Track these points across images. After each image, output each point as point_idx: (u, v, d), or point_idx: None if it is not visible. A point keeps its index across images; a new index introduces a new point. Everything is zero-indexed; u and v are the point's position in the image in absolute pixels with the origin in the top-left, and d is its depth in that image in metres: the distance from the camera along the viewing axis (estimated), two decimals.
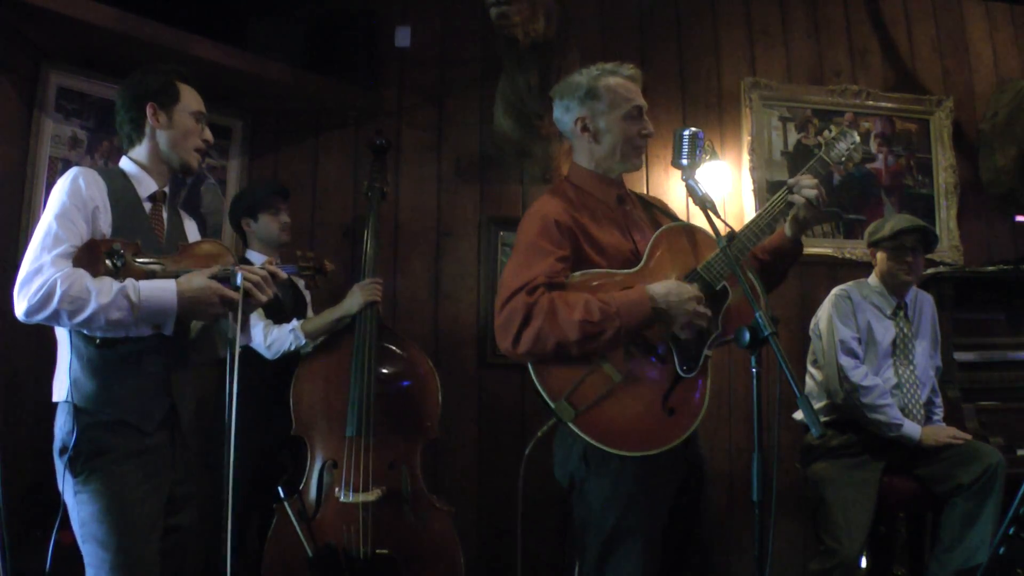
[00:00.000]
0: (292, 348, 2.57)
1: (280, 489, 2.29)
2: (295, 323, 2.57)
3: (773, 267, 2.06)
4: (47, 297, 1.61)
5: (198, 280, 1.73)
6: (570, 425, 1.78)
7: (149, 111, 1.86)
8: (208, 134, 1.95)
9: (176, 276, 1.74)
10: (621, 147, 1.97)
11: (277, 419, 2.55)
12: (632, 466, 1.81)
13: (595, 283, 1.86)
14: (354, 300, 2.63)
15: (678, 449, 1.84)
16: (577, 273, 1.87)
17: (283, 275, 1.87)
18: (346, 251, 3.43)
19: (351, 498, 2.41)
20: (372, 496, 2.41)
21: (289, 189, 2.97)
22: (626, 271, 1.89)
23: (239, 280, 1.75)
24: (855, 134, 2.07)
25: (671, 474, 1.88)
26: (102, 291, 1.63)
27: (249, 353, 2.55)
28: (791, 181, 1.95)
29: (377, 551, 2.41)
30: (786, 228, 2.02)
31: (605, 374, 1.80)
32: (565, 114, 2.01)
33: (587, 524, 1.87)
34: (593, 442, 1.78)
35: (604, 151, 1.99)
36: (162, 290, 1.69)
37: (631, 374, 1.82)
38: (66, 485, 1.70)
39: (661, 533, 1.86)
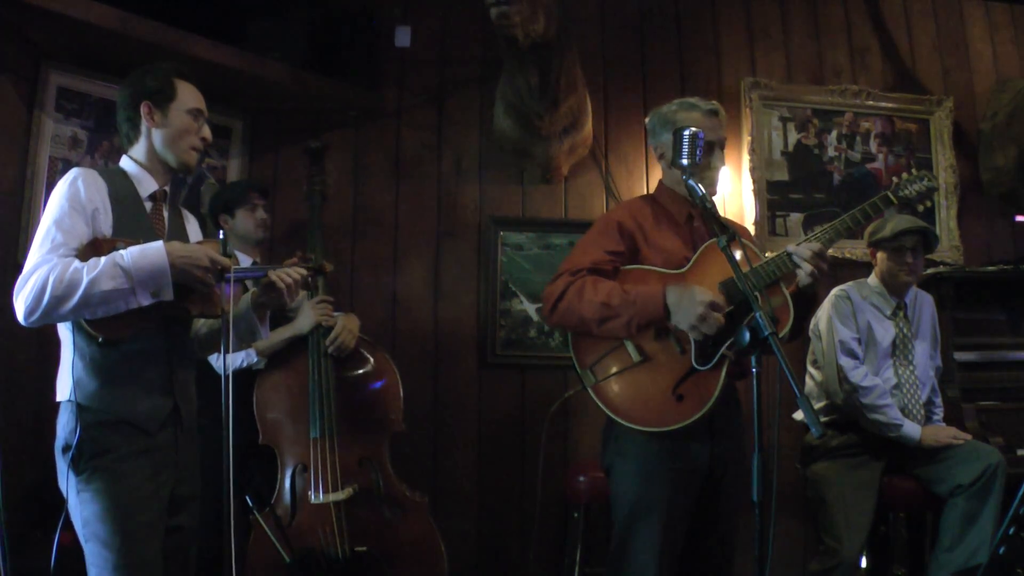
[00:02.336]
0: (244, 365, 2.56)
1: (248, 500, 2.28)
2: None
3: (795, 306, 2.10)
4: (41, 290, 1.60)
5: (190, 244, 1.75)
6: (588, 390, 2.04)
7: (144, 110, 1.86)
8: (206, 132, 1.93)
9: None
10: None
11: (247, 425, 2.52)
12: (654, 446, 1.98)
13: (639, 276, 2.07)
14: (305, 320, 2.59)
15: (703, 440, 2.01)
16: (628, 266, 2.10)
17: (308, 280, 1.91)
18: (345, 251, 3.43)
19: (321, 498, 2.42)
20: (343, 495, 2.42)
21: (268, 186, 2.95)
22: (671, 271, 2.06)
23: (229, 248, 1.80)
24: (933, 179, 2.16)
25: (694, 463, 2.01)
26: (90, 266, 1.63)
27: (208, 365, 2.53)
28: (792, 248, 2.01)
29: (355, 549, 2.42)
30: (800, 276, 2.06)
31: (627, 353, 2.03)
32: (651, 139, 2.26)
33: (616, 502, 2.07)
34: (605, 409, 2.02)
35: (676, 177, 2.14)
36: (151, 249, 1.68)
37: (650, 357, 2.01)
38: (69, 484, 1.70)
39: (683, 516, 2.00)
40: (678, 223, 2.17)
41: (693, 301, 1.90)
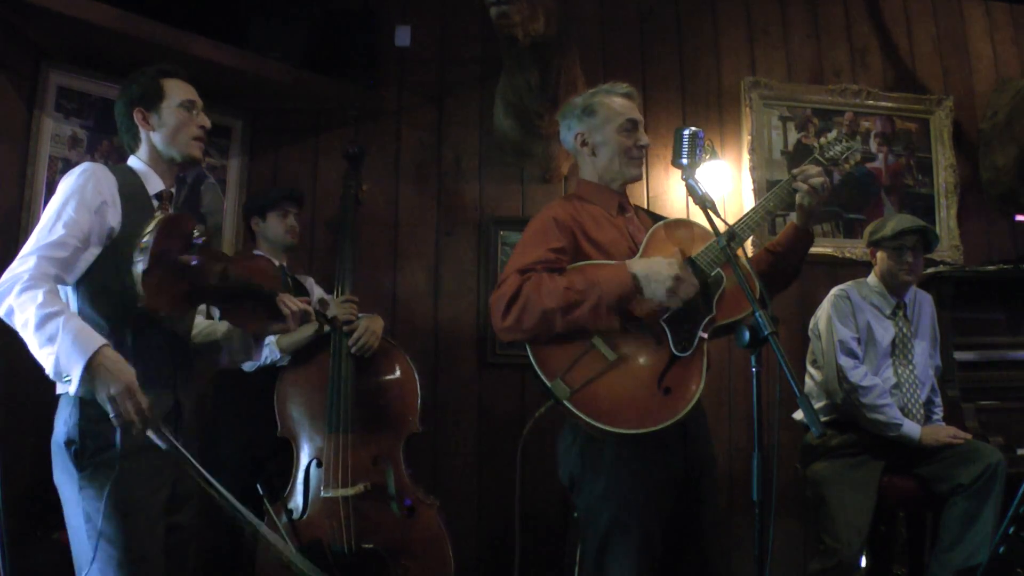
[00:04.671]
0: (267, 362, 2.61)
1: (259, 488, 2.30)
2: (271, 338, 2.58)
3: (786, 259, 2.12)
4: (5, 294, 1.62)
5: (114, 375, 1.58)
6: (566, 403, 1.79)
7: (137, 117, 1.87)
8: (203, 120, 1.93)
9: (229, 278, 1.80)
10: (618, 158, 2.07)
11: (263, 421, 2.58)
12: (629, 462, 1.85)
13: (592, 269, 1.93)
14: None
15: (676, 446, 1.90)
16: (575, 264, 1.94)
17: (313, 320, 2.00)
18: (345, 250, 3.42)
19: (331, 493, 2.46)
20: (352, 491, 2.45)
21: (304, 195, 2.99)
22: (621, 263, 1.93)
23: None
24: (853, 140, 2.15)
25: (669, 471, 1.90)
26: (47, 303, 1.59)
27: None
28: (796, 171, 2.02)
29: (363, 545, 2.44)
30: (795, 217, 2.09)
31: (600, 354, 1.84)
32: (567, 133, 2.14)
33: (586, 520, 1.91)
34: (589, 420, 1.79)
35: (603, 163, 2.09)
36: (79, 353, 1.57)
37: (626, 354, 1.86)
38: (69, 478, 1.70)
39: (660, 530, 1.88)
40: (610, 215, 2.07)
41: (662, 267, 1.84)
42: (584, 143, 2.09)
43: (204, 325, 2.05)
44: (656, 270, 1.84)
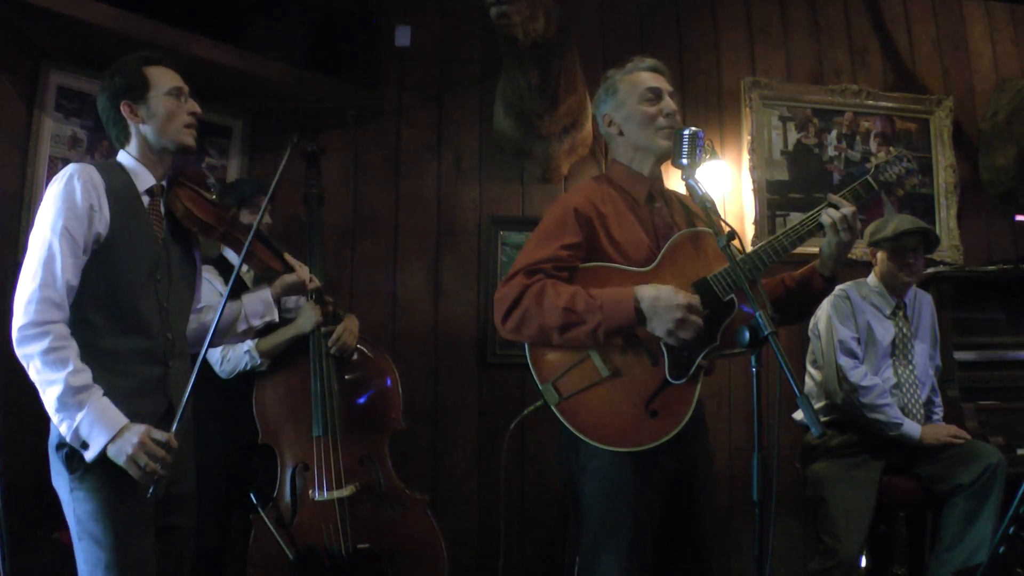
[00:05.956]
0: (247, 367, 2.57)
1: (252, 497, 2.29)
2: (250, 344, 2.54)
3: (796, 297, 2.02)
4: (25, 341, 1.64)
5: (130, 440, 1.65)
6: (553, 408, 1.84)
7: (125, 111, 1.83)
8: (193, 106, 1.90)
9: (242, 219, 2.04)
10: (644, 130, 1.97)
11: (246, 427, 2.55)
12: (620, 463, 1.84)
13: (601, 275, 1.88)
14: (307, 320, 2.58)
15: (671, 448, 1.86)
16: (587, 264, 1.89)
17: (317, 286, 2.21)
18: (345, 251, 3.43)
19: (324, 496, 2.44)
20: (346, 492, 2.44)
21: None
22: (636, 269, 1.89)
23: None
24: (909, 158, 2.01)
25: (660, 474, 1.88)
26: (76, 371, 1.64)
27: (207, 365, 2.57)
28: (832, 197, 1.90)
29: (358, 546, 2.44)
30: (818, 262, 1.97)
31: (593, 366, 1.84)
32: (600, 120, 2.08)
33: (580, 519, 1.91)
34: (571, 429, 1.83)
35: (631, 140, 2.00)
36: (104, 429, 1.64)
37: (619, 371, 1.84)
38: (63, 481, 1.70)
39: (651, 528, 1.87)
40: (638, 204, 1.98)
41: (670, 304, 1.75)
42: (611, 123, 2.02)
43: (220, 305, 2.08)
44: (661, 308, 1.76)
